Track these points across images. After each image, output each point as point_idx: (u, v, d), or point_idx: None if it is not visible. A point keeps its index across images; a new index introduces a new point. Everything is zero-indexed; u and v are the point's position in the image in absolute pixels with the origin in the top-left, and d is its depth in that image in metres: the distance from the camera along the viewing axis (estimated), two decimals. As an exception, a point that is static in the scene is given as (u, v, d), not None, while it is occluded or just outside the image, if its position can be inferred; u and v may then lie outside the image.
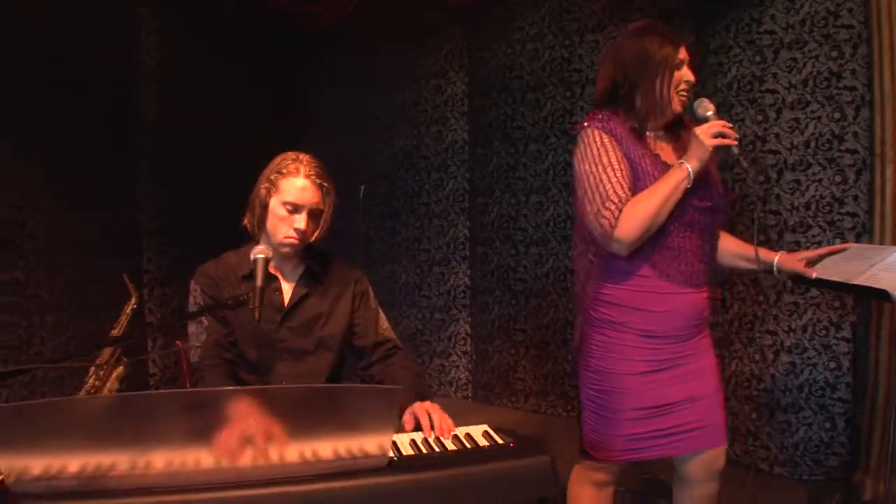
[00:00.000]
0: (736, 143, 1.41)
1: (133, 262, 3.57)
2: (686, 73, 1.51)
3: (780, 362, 2.81)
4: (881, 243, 2.45)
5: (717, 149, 1.44)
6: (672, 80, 1.49)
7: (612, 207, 1.45)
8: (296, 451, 1.06)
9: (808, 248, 2.69)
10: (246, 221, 1.64)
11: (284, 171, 1.56)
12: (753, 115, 2.82)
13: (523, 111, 3.60)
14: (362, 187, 3.82)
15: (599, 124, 1.51)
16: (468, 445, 1.25)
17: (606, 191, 1.46)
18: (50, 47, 2.87)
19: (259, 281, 1.37)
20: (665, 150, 1.59)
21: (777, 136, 2.76)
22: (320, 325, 1.64)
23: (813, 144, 2.68)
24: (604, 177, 1.47)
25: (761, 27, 2.78)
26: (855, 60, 2.59)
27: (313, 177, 1.55)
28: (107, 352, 1.81)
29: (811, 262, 1.60)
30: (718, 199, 1.56)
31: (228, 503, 1.01)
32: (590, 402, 1.60)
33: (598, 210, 1.46)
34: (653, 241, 1.49)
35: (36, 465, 0.97)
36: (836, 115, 2.63)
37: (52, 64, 2.88)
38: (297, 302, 1.63)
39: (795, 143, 2.72)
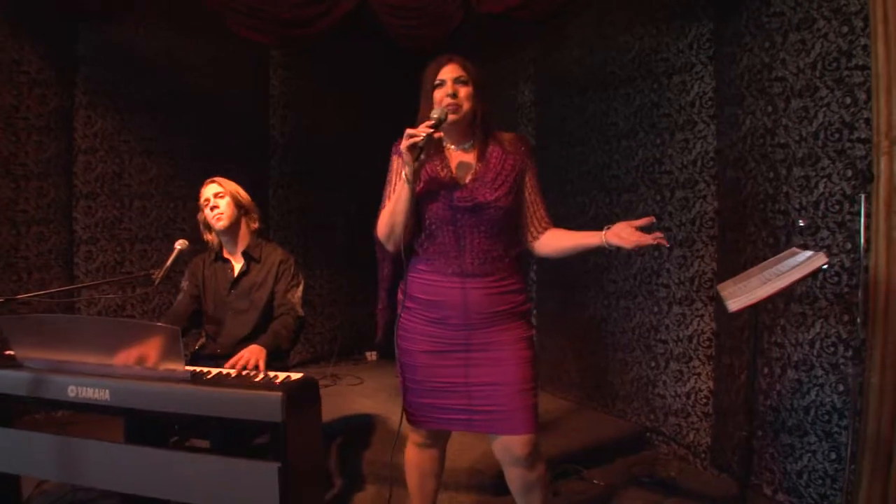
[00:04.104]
0: (419, 138, 1.57)
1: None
2: (448, 89, 1.70)
3: (787, 378, 2.53)
4: (868, 249, 2.11)
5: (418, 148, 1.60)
6: (431, 99, 1.73)
7: (381, 213, 1.80)
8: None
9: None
10: (204, 236, 2.41)
11: (202, 187, 2.34)
12: (763, 105, 2.58)
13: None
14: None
15: (394, 148, 1.82)
16: (251, 377, 1.84)
17: (384, 201, 1.83)
18: (200, 87, 4.06)
19: (168, 262, 2.11)
20: (468, 158, 1.80)
21: (786, 127, 2.49)
22: (253, 292, 2.33)
23: (822, 135, 2.37)
24: (386, 190, 1.84)
25: (770, 9, 2.53)
26: (866, 34, 2.22)
27: (216, 180, 2.32)
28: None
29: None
30: (479, 198, 1.72)
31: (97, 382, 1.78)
32: (400, 375, 1.88)
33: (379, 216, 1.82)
34: (427, 237, 1.76)
35: (22, 350, 1.86)
36: (847, 101, 2.29)
37: (202, 100, 4.07)
38: (240, 276, 2.35)
39: (804, 134, 2.43)
